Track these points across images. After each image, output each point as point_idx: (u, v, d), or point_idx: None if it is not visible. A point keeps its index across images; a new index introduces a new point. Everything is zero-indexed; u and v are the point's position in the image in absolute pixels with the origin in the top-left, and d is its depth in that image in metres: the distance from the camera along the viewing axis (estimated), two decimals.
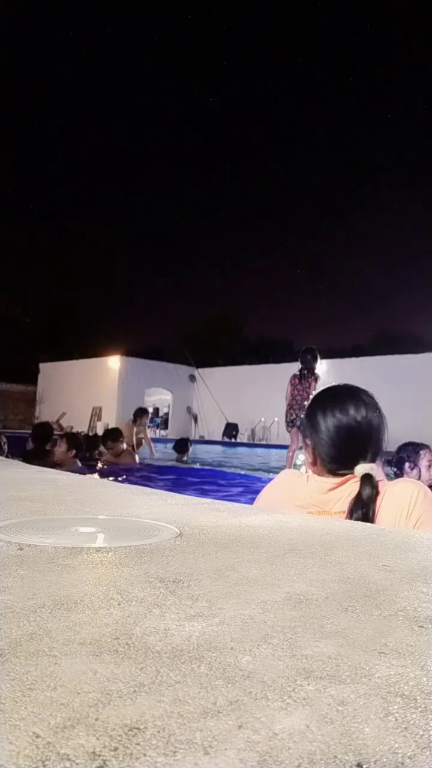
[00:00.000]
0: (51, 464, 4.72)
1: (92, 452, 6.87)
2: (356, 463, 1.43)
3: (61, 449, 5.47)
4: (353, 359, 17.06)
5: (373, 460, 1.45)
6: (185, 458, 8.60)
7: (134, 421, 8.58)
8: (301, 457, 1.64)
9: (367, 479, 1.40)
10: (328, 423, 1.49)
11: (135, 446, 7.96)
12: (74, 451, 5.52)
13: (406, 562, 0.90)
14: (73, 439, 5.78)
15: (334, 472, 1.47)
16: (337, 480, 1.44)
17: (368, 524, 1.33)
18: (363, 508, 1.37)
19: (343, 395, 1.54)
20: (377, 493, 1.39)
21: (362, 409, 1.48)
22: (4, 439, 5.07)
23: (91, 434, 11.08)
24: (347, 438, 1.47)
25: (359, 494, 1.39)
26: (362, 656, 0.52)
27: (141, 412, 8.84)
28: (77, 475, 2.47)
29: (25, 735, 0.37)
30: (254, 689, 0.45)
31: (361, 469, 1.42)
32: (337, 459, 1.47)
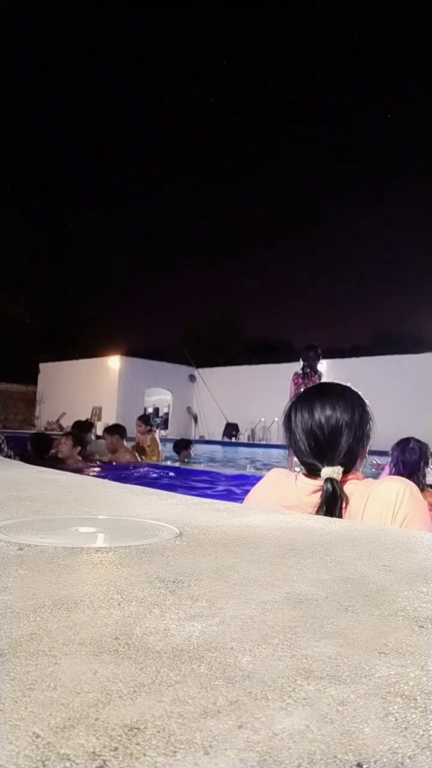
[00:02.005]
0: (52, 467, 4.79)
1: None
2: (324, 464, 1.43)
3: (66, 446, 5.69)
4: (353, 359, 17.07)
5: (345, 462, 1.43)
6: (187, 459, 8.57)
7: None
8: None
9: (329, 482, 1.39)
10: (297, 424, 1.48)
11: (141, 454, 7.68)
12: (79, 448, 5.77)
13: (406, 562, 0.90)
14: (77, 437, 5.99)
15: (312, 472, 1.46)
16: (320, 482, 1.43)
17: (368, 524, 1.33)
18: (325, 513, 1.37)
19: (312, 395, 1.52)
20: (345, 497, 1.38)
21: (327, 410, 1.45)
22: (2, 438, 5.09)
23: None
24: (312, 439, 1.45)
25: (320, 498, 1.39)
26: (362, 656, 0.52)
27: (138, 419, 8.31)
28: (77, 475, 2.47)
29: (25, 735, 0.37)
30: (254, 689, 0.45)
31: (326, 472, 1.41)
32: (308, 460, 1.46)
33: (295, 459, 1.57)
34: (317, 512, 1.39)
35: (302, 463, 1.49)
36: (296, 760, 0.36)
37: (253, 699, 0.43)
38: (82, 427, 7.52)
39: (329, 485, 1.39)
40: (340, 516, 1.37)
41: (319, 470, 1.43)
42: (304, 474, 1.50)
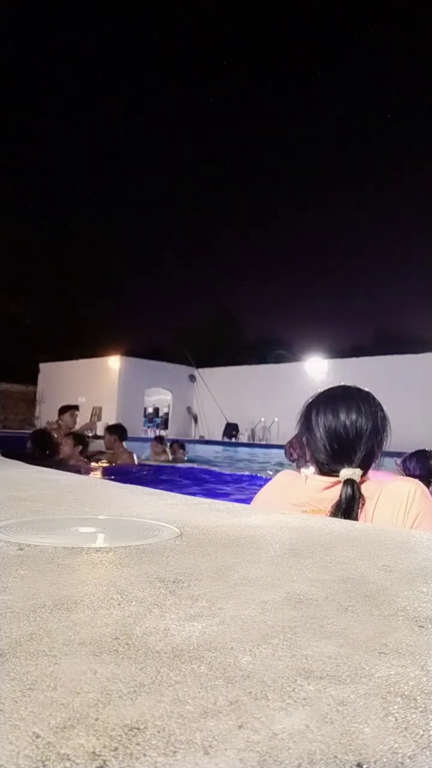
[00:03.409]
0: (52, 466, 4.83)
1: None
2: (345, 465, 1.44)
3: (68, 446, 5.78)
4: (353, 359, 17.06)
5: (363, 464, 1.44)
6: (184, 457, 8.62)
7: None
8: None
9: (349, 484, 1.40)
10: (319, 424, 1.49)
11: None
12: (80, 447, 5.91)
13: (406, 562, 0.90)
14: (78, 436, 6.08)
15: (327, 472, 1.47)
16: (333, 479, 1.45)
17: (368, 524, 1.33)
18: (343, 513, 1.37)
19: (336, 397, 1.53)
20: (362, 497, 1.39)
21: (353, 414, 1.46)
22: None
23: (90, 435, 11.02)
24: (335, 441, 1.46)
25: (339, 498, 1.39)
26: (362, 656, 0.52)
27: (154, 440, 8.39)
28: (77, 475, 2.47)
29: (25, 735, 0.37)
30: (254, 689, 0.45)
31: (345, 473, 1.42)
32: (326, 460, 1.47)
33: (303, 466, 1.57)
34: (335, 512, 1.39)
35: (318, 462, 1.49)
36: (296, 760, 0.36)
37: (253, 699, 0.43)
38: (66, 410, 7.35)
39: (349, 487, 1.39)
40: (356, 517, 1.38)
41: (334, 470, 1.44)
42: (314, 473, 1.51)
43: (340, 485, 1.42)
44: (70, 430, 6.60)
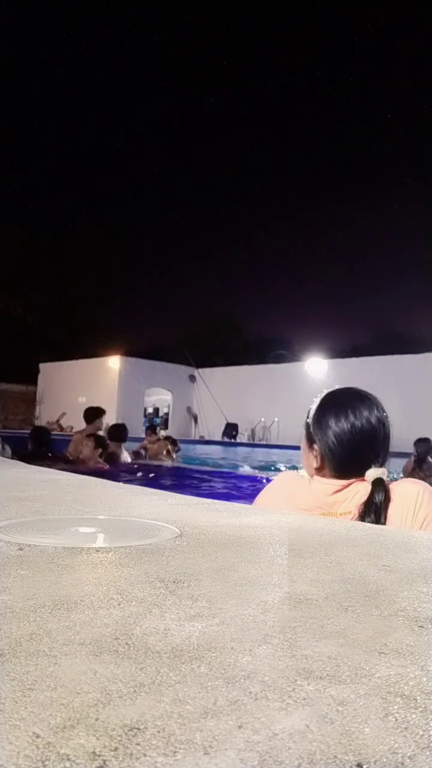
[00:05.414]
0: (68, 465, 4.89)
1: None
2: (366, 467, 1.42)
3: (88, 447, 5.80)
4: (353, 359, 17.07)
5: (383, 464, 1.44)
6: (173, 454, 8.63)
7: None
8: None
9: (379, 484, 1.38)
10: (341, 427, 1.45)
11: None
12: (100, 450, 5.91)
13: (406, 562, 0.90)
14: (98, 438, 6.14)
15: (341, 476, 1.45)
16: (343, 482, 1.43)
17: (368, 524, 1.33)
18: (375, 513, 1.36)
19: (354, 398, 1.50)
20: (389, 497, 1.38)
21: (375, 412, 1.46)
22: (8, 448, 5.08)
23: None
24: (360, 442, 1.44)
25: (370, 499, 1.38)
26: (362, 656, 0.52)
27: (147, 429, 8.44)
28: (77, 475, 2.47)
29: (25, 735, 0.37)
30: (254, 689, 0.45)
31: (373, 473, 1.40)
32: (347, 463, 1.44)
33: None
34: (363, 514, 1.37)
35: (339, 465, 1.46)
36: (296, 760, 0.36)
37: (253, 699, 0.43)
38: (95, 413, 7.16)
39: (380, 488, 1.37)
40: (385, 518, 1.36)
41: (352, 473, 1.43)
42: (319, 475, 1.49)
43: (353, 486, 1.41)
44: (92, 432, 6.48)
